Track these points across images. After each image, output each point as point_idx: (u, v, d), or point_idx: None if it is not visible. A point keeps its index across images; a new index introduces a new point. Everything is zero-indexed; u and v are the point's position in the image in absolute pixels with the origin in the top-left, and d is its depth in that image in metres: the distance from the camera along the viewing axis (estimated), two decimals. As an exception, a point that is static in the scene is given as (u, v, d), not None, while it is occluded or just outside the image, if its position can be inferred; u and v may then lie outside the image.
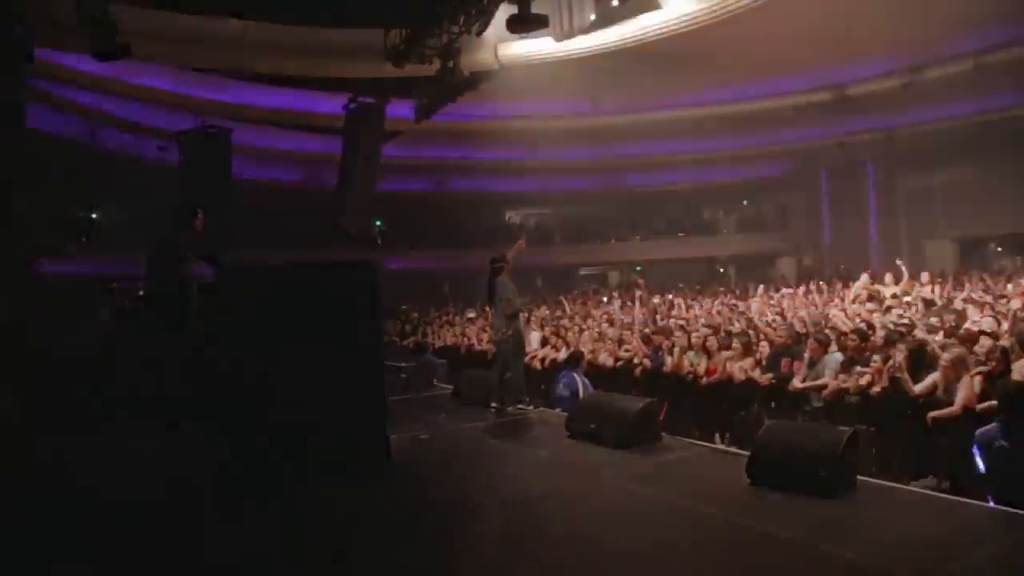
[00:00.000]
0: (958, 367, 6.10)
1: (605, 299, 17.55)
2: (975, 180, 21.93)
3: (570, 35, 11.47)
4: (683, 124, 19.71)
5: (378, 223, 27.01)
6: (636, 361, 9.80)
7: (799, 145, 22.82)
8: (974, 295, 11.33)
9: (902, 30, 13.99)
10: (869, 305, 11.83)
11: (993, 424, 4.52)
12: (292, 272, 6.35)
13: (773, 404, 7.94)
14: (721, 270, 30.94)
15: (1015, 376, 5.55)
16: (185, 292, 6.28)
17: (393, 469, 6.05)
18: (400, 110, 16.11)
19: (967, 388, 5.92)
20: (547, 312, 16.14)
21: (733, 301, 14.96)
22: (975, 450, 4.55)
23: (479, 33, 10.85)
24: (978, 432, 4.57)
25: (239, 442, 5.56)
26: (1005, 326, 8.33)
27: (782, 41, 13.93)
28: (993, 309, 9.83)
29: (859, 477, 5.03)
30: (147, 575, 4.12)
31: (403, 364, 11.35)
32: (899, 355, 6.68)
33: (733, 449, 6.51)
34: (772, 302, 12.55)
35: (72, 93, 15.41)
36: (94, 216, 21.92)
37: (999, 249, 24.25)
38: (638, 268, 32.29)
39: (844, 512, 4.57)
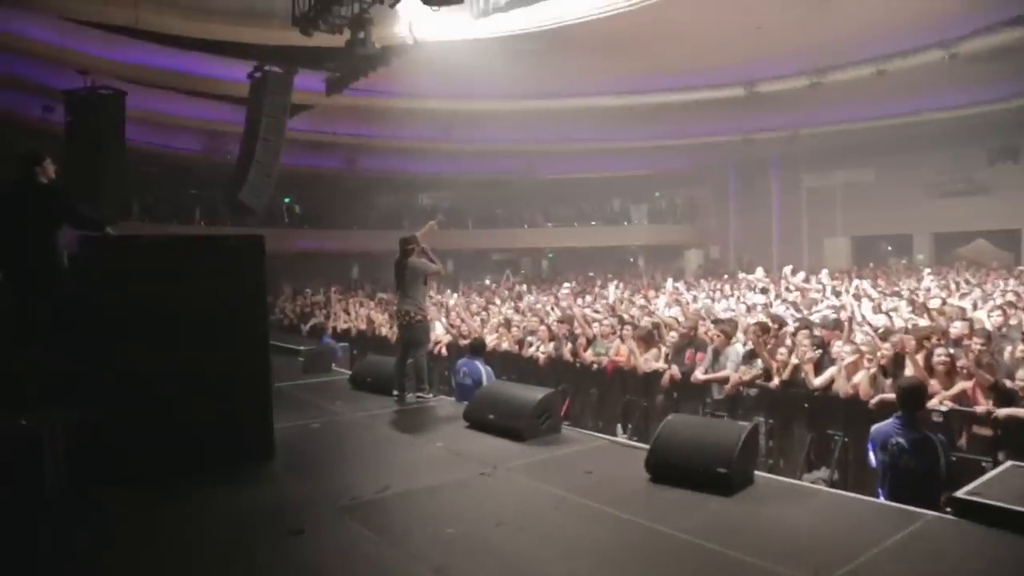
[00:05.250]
0: (857, 362, 6.21)
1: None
2: (873, 181, 22.88)
3: (487, 13, 11.16)
4: (597, 113, 19.73)
5: (286, 200, 26.10)
6: (542, 350, 9.66)
7: (708, 140, 23.24)
8: (872, 292, 11.73)
9: (810, 32, 14.33)
10: (760, 298, 12.17)
11: (889, 420, 4.54)
12: (165, 244, 5.81)
13: (676, 395, 7.94)
14: (632, 260, 31.40)
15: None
16: (50, 262, 5.61)
17: (274, 462, 5.68)
18: (311, 82, 15.44)
19: (864, 381, 6.06)
20: (455, 299, 15.90)
21: (644, 294, 15.09)
22: (869, 445, 4.56)
23: (392, 4, 10.38)
24: (874, 428, 4.59)
25: (95, 431, 5.06)
26: (899, 322, 8.57)
27: (695, 36, 14.05)
28: (882, 308, 10.18)
29: (757, 472, 5.01)
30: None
31: (301, 348, 10.92)
32: (804, 349, 6.75)
33: (634, 443, 6.42)
34: (678, 296, 12.65)
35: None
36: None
37: (889, 248, 25.49)
38: (549, 255, 32.45)
39: (739, 509, 4.51)
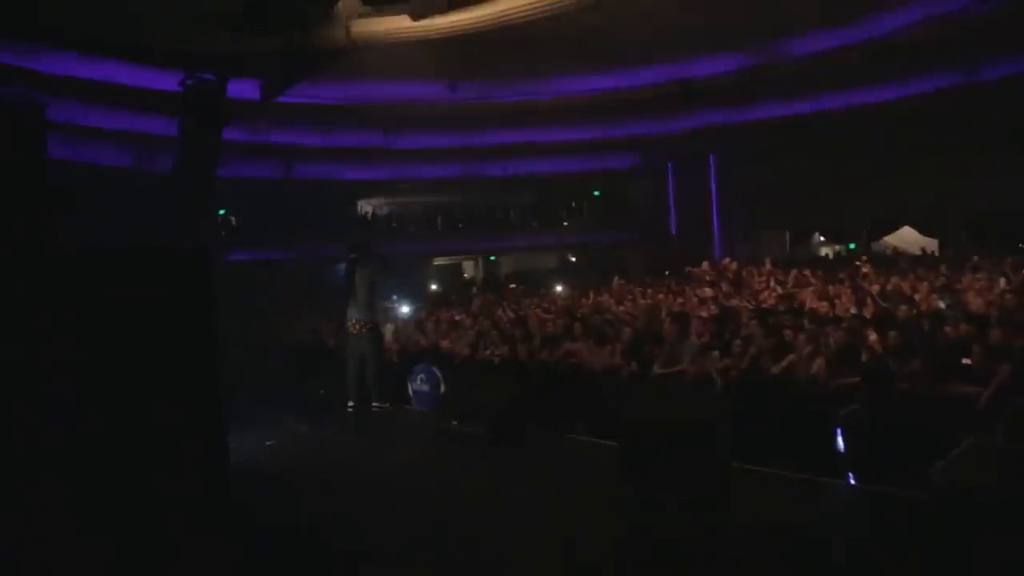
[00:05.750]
0: (813, 346, 6.28)
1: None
2: (807, 174, 23.49)
3: (427, 13, 11.00)
4: (536, 110, 19.73)
5: (222, 212, 25.37)
6: (496, 352, 9.55)
7: (646, 137, 23.47)
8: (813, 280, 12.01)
9: (745, 27, 14.59)
10: (708, 291, 12.35)
11: (856, 405, 4.58)
12: (93, 256, 5.13)
13: (635, 391, 7.91)
14: (573, 259, 31.50)
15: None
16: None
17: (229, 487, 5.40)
18: (243, 89, 15.00)
19: (820, 366, 6.12)
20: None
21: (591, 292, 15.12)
22: (837, 429, 4.59)
23: (329, 5, 10.16)
24: (842, 412, 4.62)
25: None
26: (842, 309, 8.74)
27: (634, 31, 14.15)
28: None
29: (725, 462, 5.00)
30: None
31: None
32: (758, 338, 6.80)
33: (597, 440, 6.36)
34: (630, 294, 12.72)
35: None
36: None
37: (822, 239, 26.21)
38: (491, 258, 32.36)
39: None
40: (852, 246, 24.07)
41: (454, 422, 6.32)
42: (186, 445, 4.07)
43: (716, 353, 7.40)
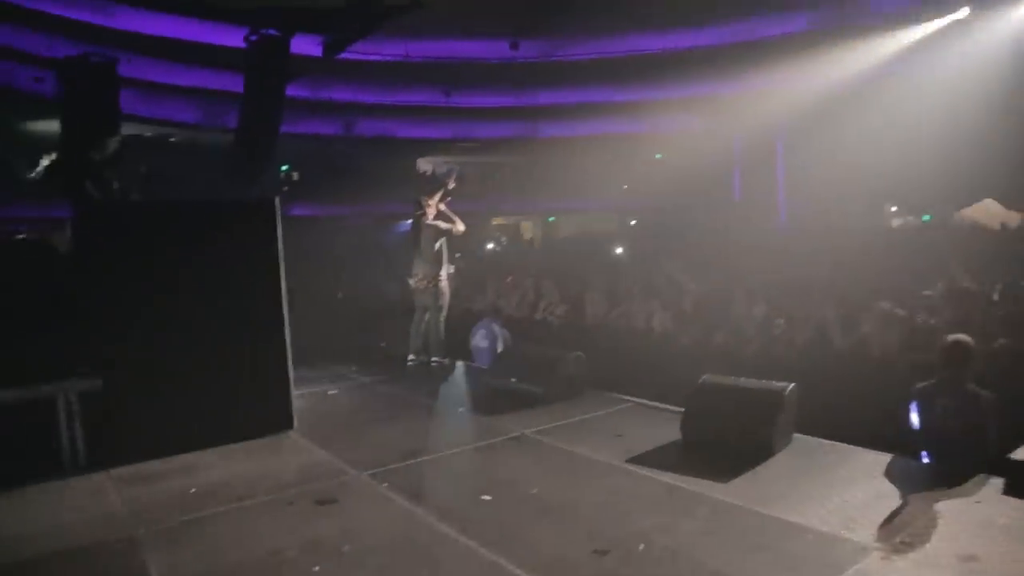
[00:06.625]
0: (884, 322, 6.05)
1: None
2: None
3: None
4: (603, 69, 19.28)
5: (284, 168, 25.71)
6: (558, 312, 9.51)
7: (715, 99, 22.78)
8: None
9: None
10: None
11: (931, 380, 4.40)
12: (169, 208, 5.55)
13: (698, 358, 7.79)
14: (633, 223, 31.08)
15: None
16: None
17: (294, 431, 5.57)
18: (307, 46, 15.06)
19: (892, 342, 5.91)
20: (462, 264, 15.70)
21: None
22: (912, 405, 4.42)
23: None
24: (915, 387, 4.44)
25: (114, 403, 4.93)
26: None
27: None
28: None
29: (795, 434, 4.90)
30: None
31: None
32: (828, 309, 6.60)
33: (659, 404, 6.28)
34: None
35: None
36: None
37: (894, 209, 25.23)
38: (551, 218, 32.16)
39: (780, 472, 4.40)
40: (926, 218, 23.06)
41: (513, 379, 6.32)
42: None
43: (781, 321, 7.24)
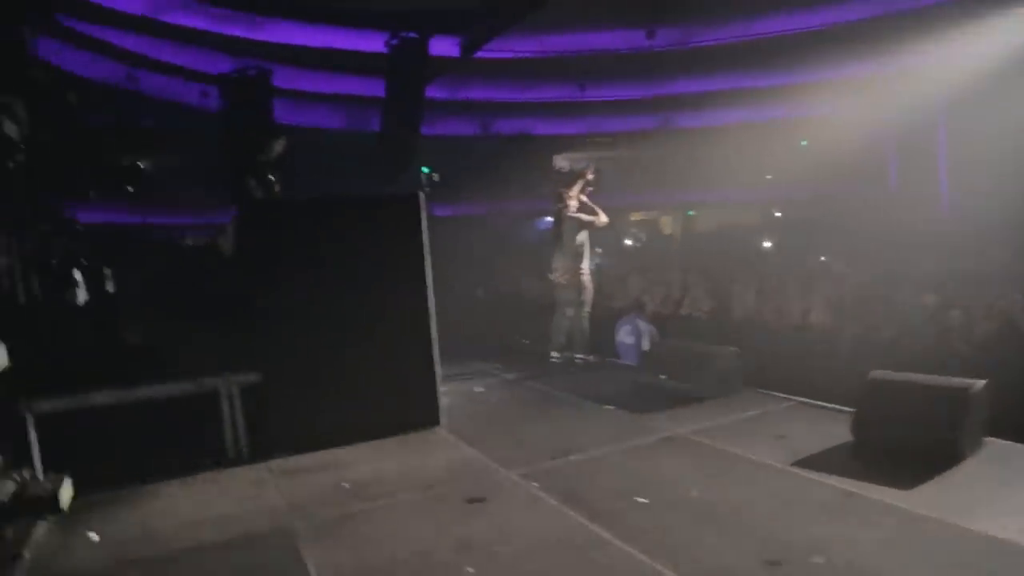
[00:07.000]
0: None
1: None
2: None
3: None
4: (739, 54, 18.39)
5: (425, 170, 26.35)
6: (704, 308, 9.11)
7: (859, 82, 21.30)
8: None
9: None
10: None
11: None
12: (324, 205, 5.65)
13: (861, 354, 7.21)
14: (778, 214, 29.67)
15: None
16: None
17: (442, 428, 5.56)
18: (444, 47, 15.31)
19: None
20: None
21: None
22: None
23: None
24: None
25: (274, 396, 5.09)
26: None
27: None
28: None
29: (987, 438, 4.37)
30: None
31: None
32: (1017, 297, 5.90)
33: (823, 403, 5.81)
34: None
35: (112, 35, 14.88)
36: (141, 165, 21.60)
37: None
38: (690, 212, 31.26)
39: (974, 477, 3.92)
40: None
41: (662, 376, 6.04)
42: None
43: (957, 311, 6.58)
